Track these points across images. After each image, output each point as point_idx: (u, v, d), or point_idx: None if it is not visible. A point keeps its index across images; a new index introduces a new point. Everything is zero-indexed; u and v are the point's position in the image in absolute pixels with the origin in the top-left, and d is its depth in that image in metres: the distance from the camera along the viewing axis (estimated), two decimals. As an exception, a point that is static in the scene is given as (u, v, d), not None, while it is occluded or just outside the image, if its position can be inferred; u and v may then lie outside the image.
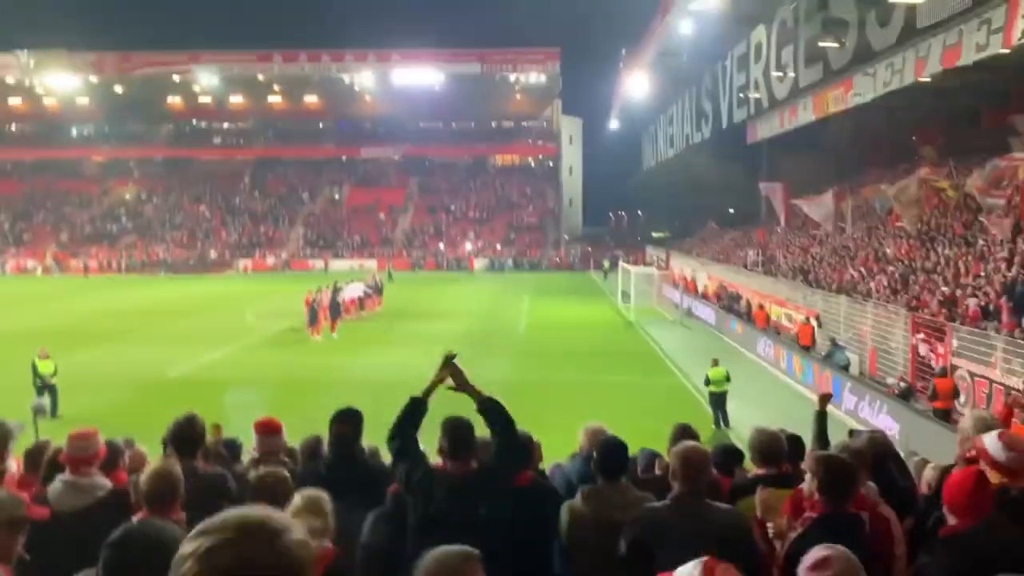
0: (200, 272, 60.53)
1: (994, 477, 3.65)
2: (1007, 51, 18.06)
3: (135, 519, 3.64)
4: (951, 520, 3.39)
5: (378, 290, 35.62)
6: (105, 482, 4.34)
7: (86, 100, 73.22)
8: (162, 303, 38.96)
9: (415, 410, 4.27)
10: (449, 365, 4.28)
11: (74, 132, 79.36)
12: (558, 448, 7.45)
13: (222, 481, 4.64)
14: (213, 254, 65.49)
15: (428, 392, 4.32)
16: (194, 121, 79.35)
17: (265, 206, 72.63)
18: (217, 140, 79.60)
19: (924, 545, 3.56)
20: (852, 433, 5.10)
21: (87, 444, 4.37)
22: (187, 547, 1.34)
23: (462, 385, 4.27)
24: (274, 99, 76.48)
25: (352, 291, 33.29)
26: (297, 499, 3.62)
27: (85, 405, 17.05)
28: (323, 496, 3.64)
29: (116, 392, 18.84)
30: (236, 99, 75.52)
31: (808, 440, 5.77)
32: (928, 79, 23.38)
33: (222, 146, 79.00)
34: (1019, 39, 16.98)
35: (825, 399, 5.42)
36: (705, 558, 2.12)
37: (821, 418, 5.11)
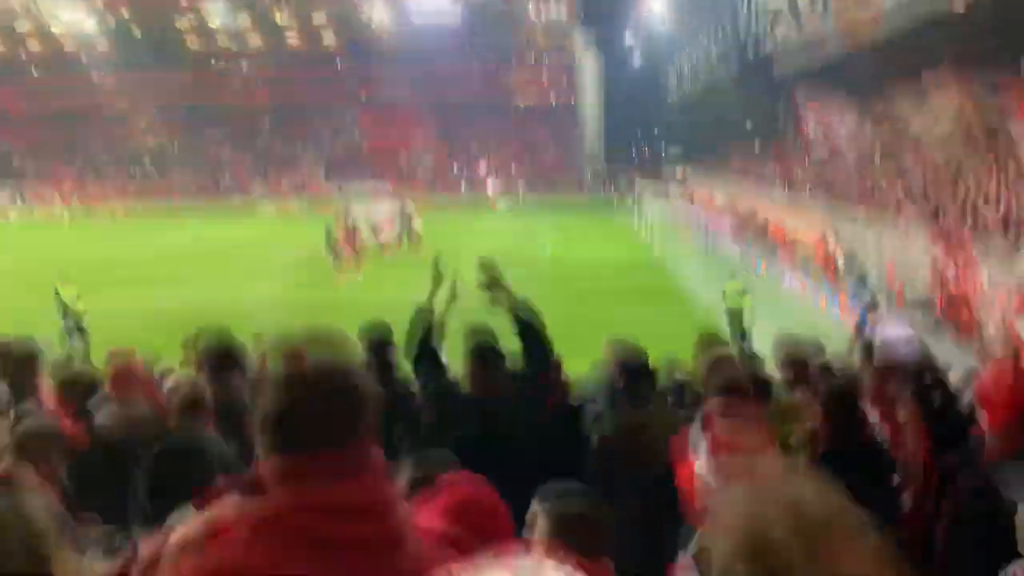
0: (218, 204, 60.53)
1: None
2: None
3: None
4: (983, 416, 3.38)
5: (408, 223, 34.38)
6: (146, 401, 4.45)
7: (102, 38, 72.44)
8: (186, 245, 39.07)
9: (421, 317, 4.36)
10: (486, 266, 4.32)
11: (91, 69, 78.52)
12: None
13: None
14: (233, 190, 65.44)
15: (431, 298, 4.44)
16: (211, 59, 78.41)
17: (283, 143, 72.25)
18: (234, 77, 78.73)
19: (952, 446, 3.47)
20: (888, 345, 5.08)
21: (128, 363, 4.49)
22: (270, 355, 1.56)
23: (496, 287, 4.30)
24: (290, 35, 75.37)
25: (379, 216, 32.71)
26: None
27: (114, 344, 17.22)
28: None
29: (142, 333, 18.87)
30: (252, 36, 74.54)
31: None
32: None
33: (239, 83, 78.19)
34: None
35: (870, 309, 5.36)
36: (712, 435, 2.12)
37: (860, 329, 5.07)
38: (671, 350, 8.00)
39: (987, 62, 27.74)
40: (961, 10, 22.01)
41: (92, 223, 55.19)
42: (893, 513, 3.29)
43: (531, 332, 4.19)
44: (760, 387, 4.89)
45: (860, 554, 1.07)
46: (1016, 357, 3.78)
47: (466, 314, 4.49)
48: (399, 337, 4.64)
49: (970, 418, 3.71)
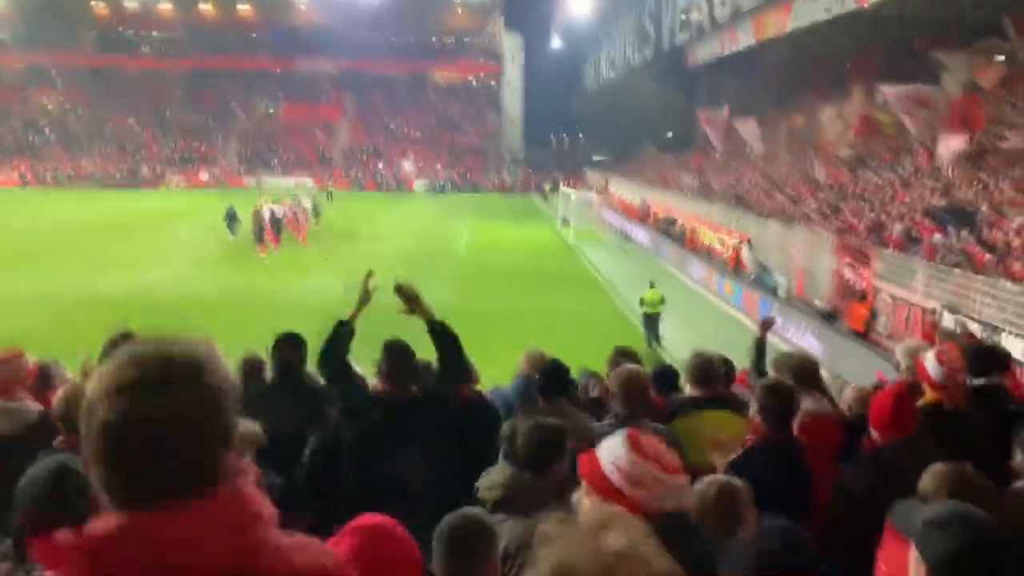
0: (130, 187, 58.28)
1: (931, 395, 3.98)
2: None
3: (55, 443, 3.45)
4: (875, 436, 3.59)
5: (315, 211, 34.63)
6: (35, 405, 4.16)
7: (2, 1, 68.60)
8: (93, 219, 37.56)
9: (341, 334, 4.31)
10: (402, 287, 4.27)
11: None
12: (499, 369, 7.59)
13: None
14: (144, 169, 63.18)
15: (354, 316, 4.36)
16: (121, 28, 75.09)
17: (197, 120, 70.10)
18: (146, 49, 75.65)
19: (846, 459, 3.79)
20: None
21: (11, 366, 4.21)
22: (95, 385, 1.19)
23: (414, 307, 4.27)
24: (205, 6, 72.77)
25: (286, 209, 32.37)
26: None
27: (8, 324, 16.47)
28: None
29: (41, 311, 18.19)
30: (165, 5, 71.68)
31: (739, 362, 5.97)
32: (867, 6, 23.60)
33: (151, 56, 75.20)
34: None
35: (767, 325, 5.54)
36: (628, 429, 2.13)
37: (760, 345, 5.22)
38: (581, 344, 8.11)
39: (893, 72, 29.09)
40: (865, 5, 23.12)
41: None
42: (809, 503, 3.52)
43: (448, 347, 4.26)
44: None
45: None
46: (910, 385, 3.99)
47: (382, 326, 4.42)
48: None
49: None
